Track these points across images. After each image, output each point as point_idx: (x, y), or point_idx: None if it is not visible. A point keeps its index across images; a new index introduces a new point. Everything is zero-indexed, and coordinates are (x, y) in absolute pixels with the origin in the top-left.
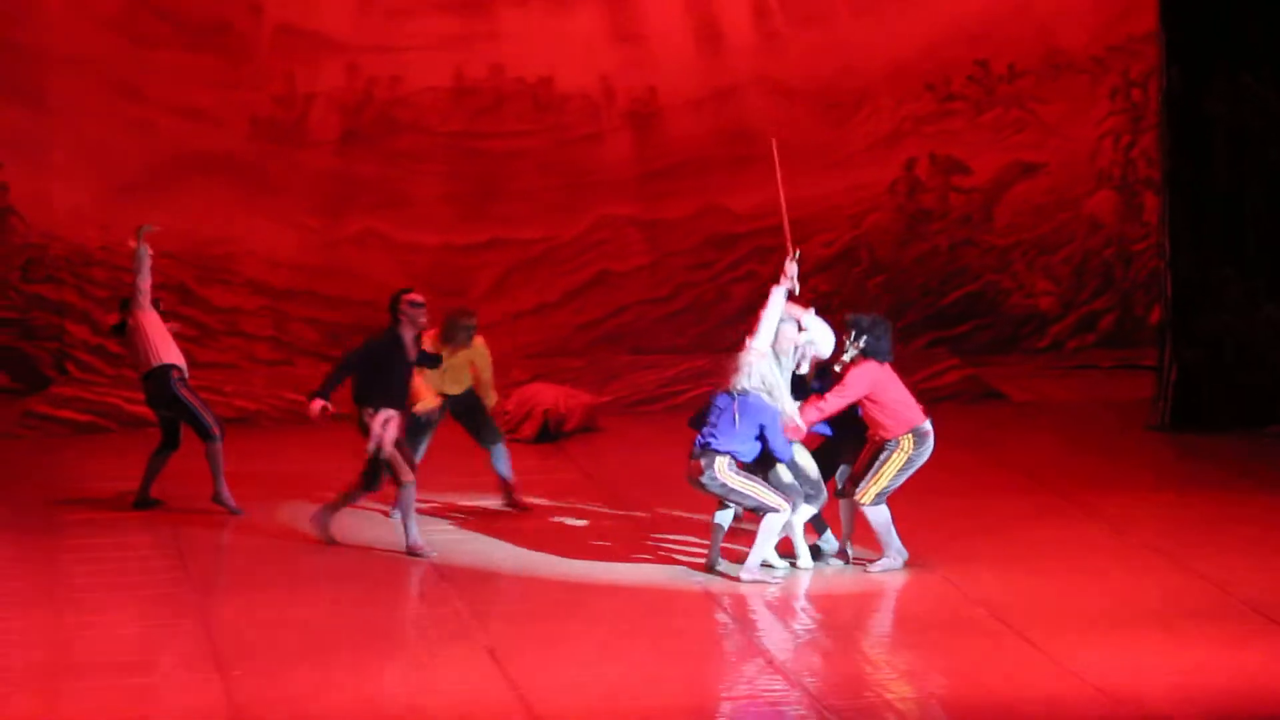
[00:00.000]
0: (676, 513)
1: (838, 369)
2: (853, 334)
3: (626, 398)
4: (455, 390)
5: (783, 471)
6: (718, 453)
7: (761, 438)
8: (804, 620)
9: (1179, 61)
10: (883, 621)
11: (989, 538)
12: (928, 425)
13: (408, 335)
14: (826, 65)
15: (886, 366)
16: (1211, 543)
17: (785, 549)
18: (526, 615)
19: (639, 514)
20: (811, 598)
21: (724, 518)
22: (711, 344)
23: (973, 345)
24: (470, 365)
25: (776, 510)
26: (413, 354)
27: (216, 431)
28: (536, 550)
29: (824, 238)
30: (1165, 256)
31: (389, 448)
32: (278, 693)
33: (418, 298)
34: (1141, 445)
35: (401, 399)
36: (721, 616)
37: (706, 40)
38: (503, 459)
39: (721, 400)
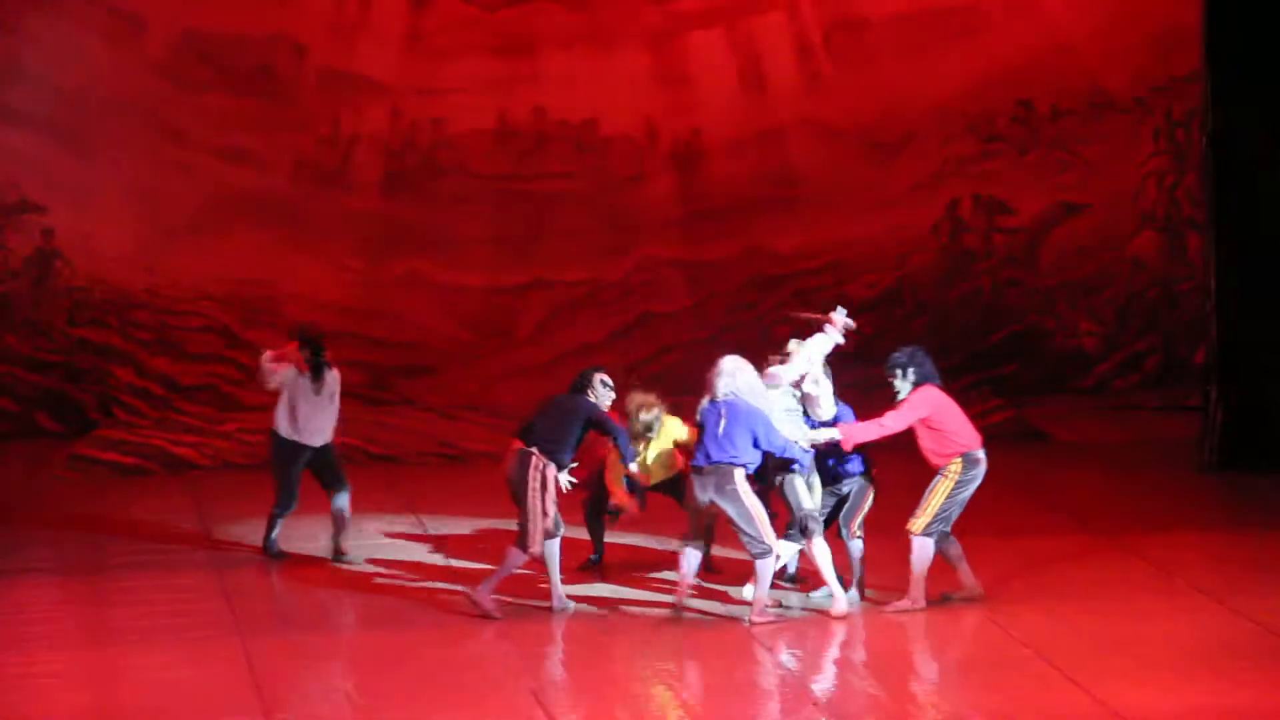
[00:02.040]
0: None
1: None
2: (899, 373)
3: None
4: (659, 476)
5: (801, 490)
6: (733, 465)
7: (759, 445)
8: (849, 661)
9: (1222, 102)
10: (928, 662)
11: (1034, 578)
12: (979, 452)
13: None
14: (870, 106)
15: (943, 391)
16: (1259, 584)
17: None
18: (572, 659)
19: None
20: (857, 638)
21: (692, 559)
22: None
23: (1017, 385)
24: (675, 447)
25: (769, 550)
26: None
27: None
28: (578, 590)
29: (868, 279)
30: (1210, 297)
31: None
32: None
33: (609, 378)
34: (1187, 487)
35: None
36: (763, 656)
37: (750, 81)
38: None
39: (708, 411)
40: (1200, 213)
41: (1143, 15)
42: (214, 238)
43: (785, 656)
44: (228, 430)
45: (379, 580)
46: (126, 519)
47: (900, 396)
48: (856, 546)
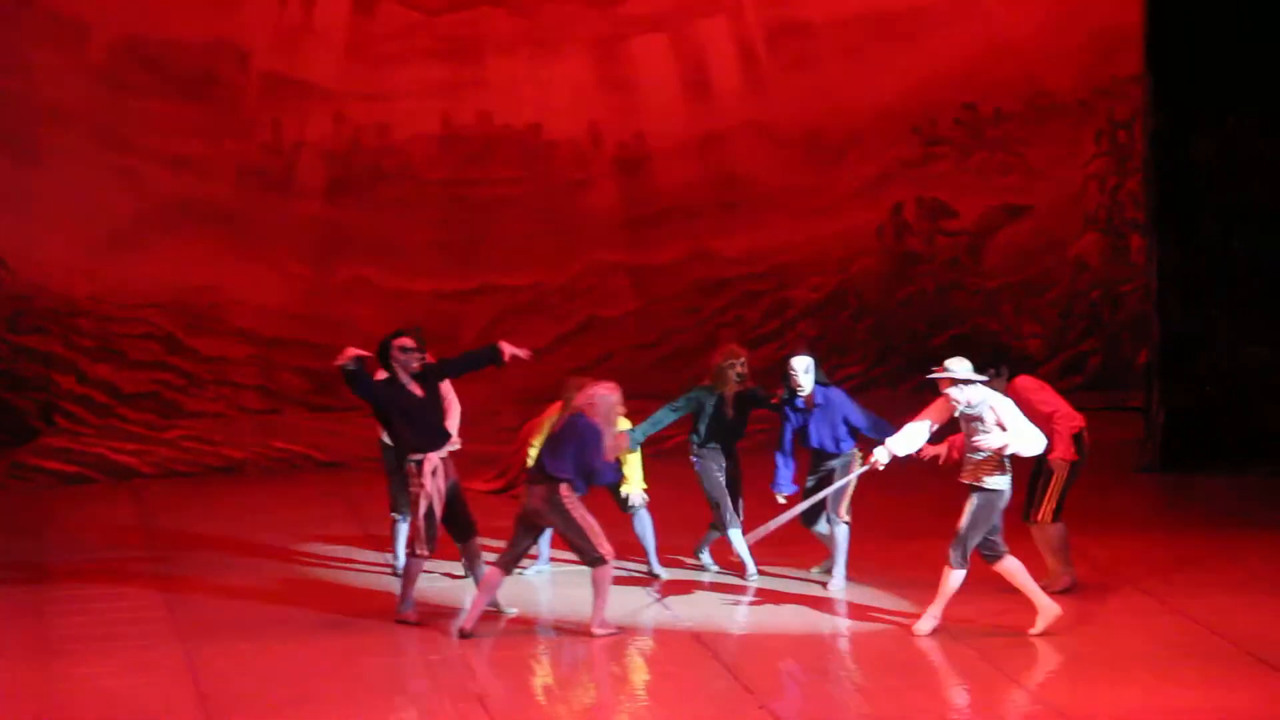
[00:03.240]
0: (668, 555)
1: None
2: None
3: None
4: None
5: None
6: (558, 479)
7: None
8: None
9: (1165, 104)
10: (862, 664)
11: (976, 579)
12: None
13: (404, 381)
14: (813, 109)
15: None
16: (1199, 584)
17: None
18: (519, 664)
19: (628, 562)
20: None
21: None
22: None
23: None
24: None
25: (602, 559)
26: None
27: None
28: (526, 597)
29: (812, 282)
30: (1152, 299)
31: (429, 502)
32: None
33: (409, 342)
34: (1129, 487)
35: (433, 442)
36: (713, 662)
37: (693, 86)
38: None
39: (558, 422)
40: (1142, 214)
41: (1084, 17)
42: (157, 244)
43: (722, 655)
44: (171, 438)
45: (324, 587)
46: (69, 527)
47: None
48: (843, 532)
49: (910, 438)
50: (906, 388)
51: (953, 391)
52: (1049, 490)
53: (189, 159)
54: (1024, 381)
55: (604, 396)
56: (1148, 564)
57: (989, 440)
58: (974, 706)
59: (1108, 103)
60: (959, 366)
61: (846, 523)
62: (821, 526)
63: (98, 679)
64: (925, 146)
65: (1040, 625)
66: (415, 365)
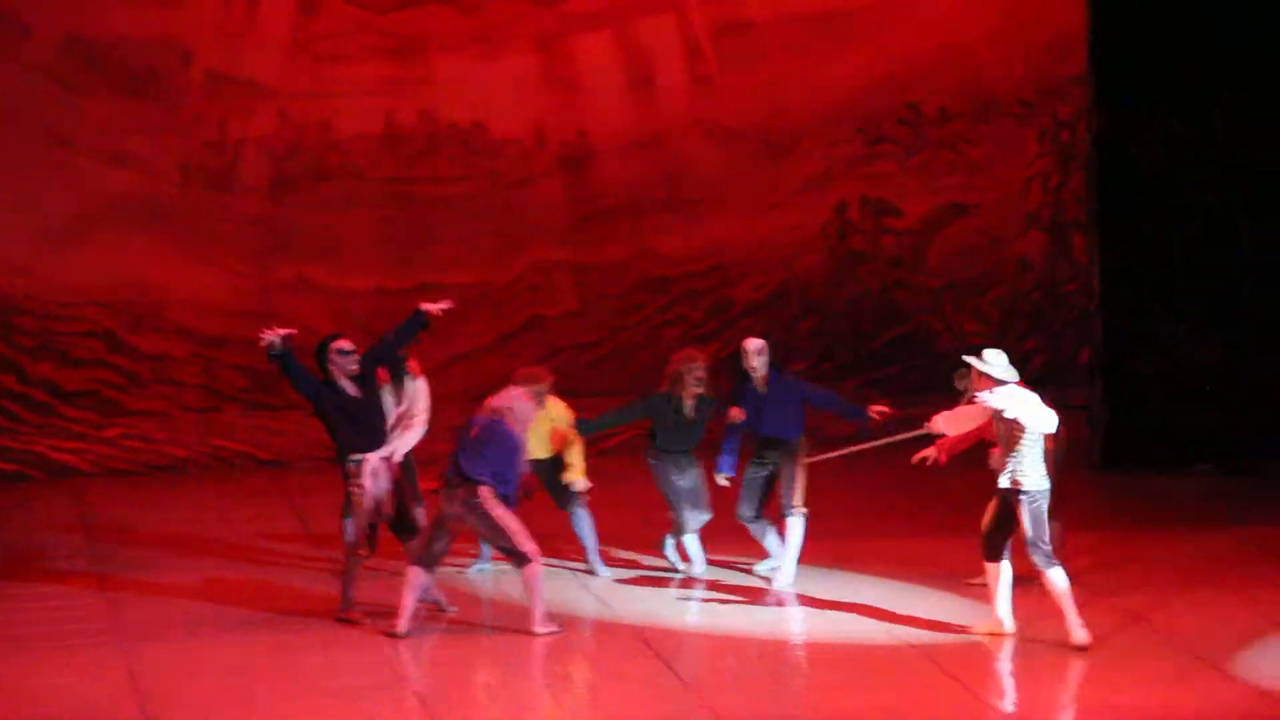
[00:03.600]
0: (616, 552)
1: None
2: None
3: None
4: (539, 455)
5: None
6: (478, 482)
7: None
8: (727, 658)
9: (1107, 105)
10: (799, 660)
11: (921, 579)
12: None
13: (342, 383)
14: (758, 108)
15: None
16: (1141, 580)
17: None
18: (459, 662)
19: (572, 562)
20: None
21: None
22: (643, 388)
23: (904, 386)
24: (552, 428)
25: (528, 558)
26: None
27: None
28: (467, 597)
29: (756, 280)
30: (1094, 298)
31: (369, 502)
32: None
33: (346, 345)
34: (1072, 485)
35: (372, 442)
36: (655, 659)
37: (638, 84)
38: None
39: (477, 424)
40: (1085, 213)
41: (1029, 18)
42: (99, 242)
43: (670, 657)
44: (111, 436)
45: (265, 586)
46: (8, 526)
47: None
48: (798, 524)
49: (960, 419)
50: (851, 385)
51: (985, 397)
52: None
53: (131, 156)
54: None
55: (522, 404)
56: (1090, 561)
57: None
58: (914, 704)
59: (1051, 103)
60: (998, 360)
61: (803, 514)
62: (757, 525)
63: (37, 677)
64: (869, 146)
65: (983, 629)
66: (353, 368)
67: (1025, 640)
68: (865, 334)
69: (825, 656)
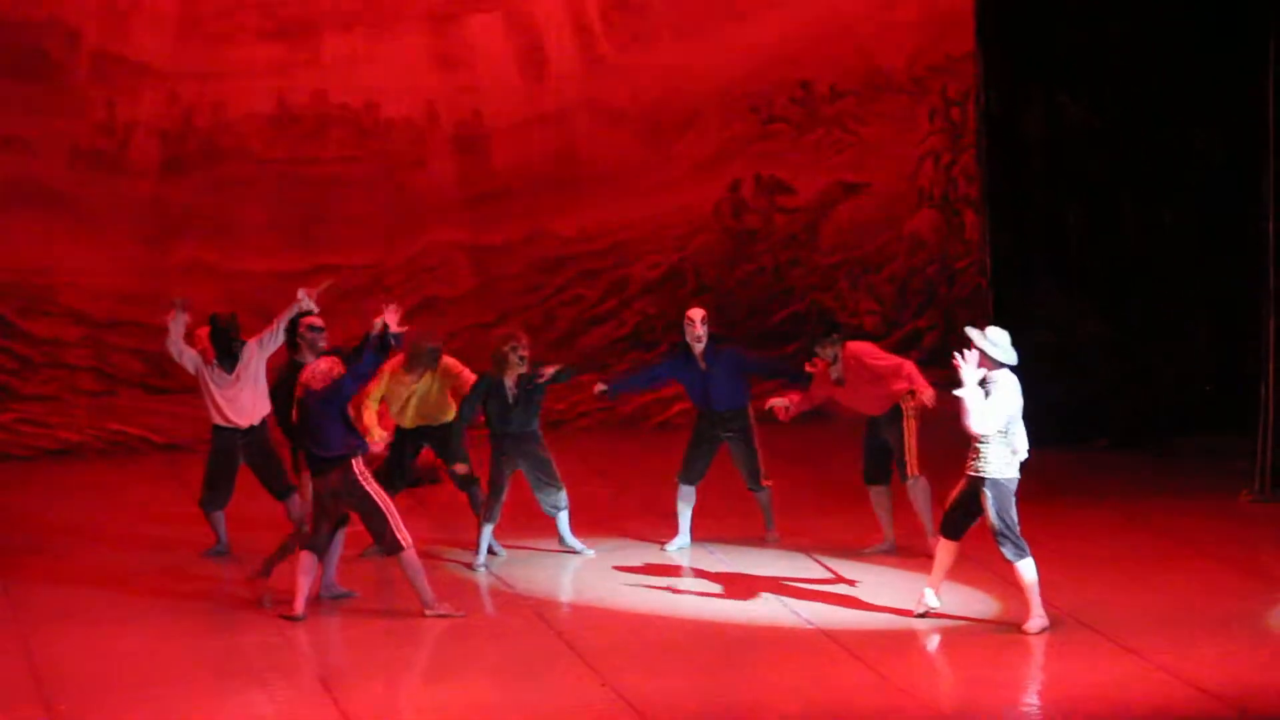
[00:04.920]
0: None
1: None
2: (833, 339)
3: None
4: (440, 419)
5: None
6: (345, 456)
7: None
8: (630, 637)
9: (996, 81)
10: (712, 641)
11: (816, 555)
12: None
13: (309, 359)
14: (651, 88)
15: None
16: (1034, 556)
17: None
18: (360, 643)
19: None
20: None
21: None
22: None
23: (800, 364)
24: (449, 391)
25: (402, 547)
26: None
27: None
28: (366, 578)
29: (651, 259)
30: (986, 274)
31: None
32: None
33: (317, 322)
34: (964, 462)
35: None
36: (555, 639)
37: (530, 64)
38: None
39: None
40: (976, 190)
41: None
42: None
43: (574, 637)
44: (4, 421)
45: (162, 571)
46: None
47: (838, 365)
48: (767, 494)
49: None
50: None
51: (969, 379)
52: (910, 442)
53: (19, 139)
54: (859, 346)
55: (314, 368)
56: (979, 538)
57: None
58: (816, 683)
59: (941, 80)
60: (1001, 340)
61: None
62: (687, 492)
63: None
64: (762, 124)
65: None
66: (323, 344)
67: (921, 619)
68: (761, 312)
69: (734, 637)
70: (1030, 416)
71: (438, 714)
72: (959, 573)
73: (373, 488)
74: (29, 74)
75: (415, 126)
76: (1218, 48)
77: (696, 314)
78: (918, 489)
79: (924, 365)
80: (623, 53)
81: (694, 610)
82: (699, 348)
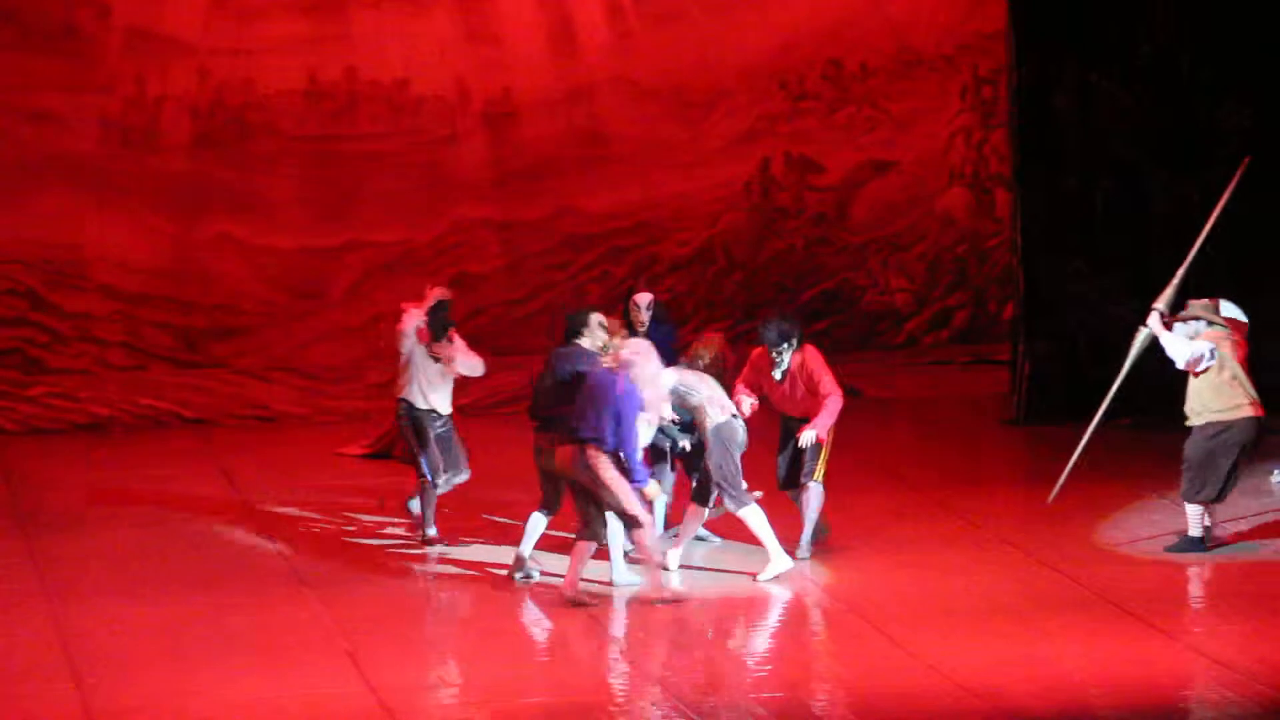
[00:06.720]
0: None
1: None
2: (788, 344)
3: (487, 399)
4: None
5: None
6: (589, 441)
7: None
8: (665, 621)
9: (1028, 59)
10: (743, 619)
11: (848, 534)
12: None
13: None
14: (681, 64)
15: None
16: (1064, 536)
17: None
18: (385, 619)
19: (500, 519)
20: (671, 600)
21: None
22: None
23: (829, 343)
24: None
25: (639, 521)
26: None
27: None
28: (395, 555)
29: (680, 237)
30: (1017, 253)
31: None
32: (134, 699)
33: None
34: (996, 439)
35: None
36: (591, 623)
37: (560, 41)
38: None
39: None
40: (1007, 168)
41: None
42: (17, 200)
43: (599, 616)
44: (34, 395)
45: (192, 545)
46: None
47: (786, 365)
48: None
49: None
50: None
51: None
52: (828, 449)
53: (50, 113)
54: (812, 353)
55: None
56: (1014, 517)
57: None
58: (843, 661)
59: (972, 58)
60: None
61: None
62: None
63: None
64: (792, 102)
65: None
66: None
67: (952, 594)
68: (790, 290)
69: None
70: (1062, 395)
71: (466, 690)
72: (978, 555)
73: (606, 470)
74: (60, 49)
75: (445, 103)
76: (1248, 24)
77: (643, 300)
78: (815, 493)
79: (953, 344)
80: (652, 29)
81: (715, 588)
82: (641, 330)
